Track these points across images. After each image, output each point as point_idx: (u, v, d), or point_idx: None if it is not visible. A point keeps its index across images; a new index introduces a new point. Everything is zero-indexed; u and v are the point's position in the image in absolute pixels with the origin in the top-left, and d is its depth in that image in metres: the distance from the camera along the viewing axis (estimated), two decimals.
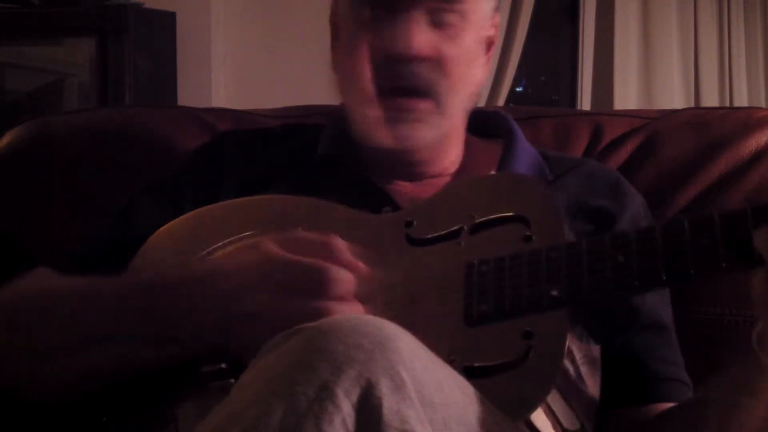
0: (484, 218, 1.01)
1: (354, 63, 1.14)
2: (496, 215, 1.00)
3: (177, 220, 1.15)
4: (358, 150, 1.24)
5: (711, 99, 2.88)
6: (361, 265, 0.96)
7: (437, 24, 1.13)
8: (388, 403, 0.74)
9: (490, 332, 0.91)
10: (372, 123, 1.14)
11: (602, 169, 1.30)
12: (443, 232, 1.02)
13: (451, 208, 1.04)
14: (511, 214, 1.00)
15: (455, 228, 1.02)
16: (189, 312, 0.97)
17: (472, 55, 1.17)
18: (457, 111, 1.18)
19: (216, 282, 0.97)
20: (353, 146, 1.25)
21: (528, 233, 0.97)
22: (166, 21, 2.94)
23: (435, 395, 0.78)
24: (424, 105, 1.13)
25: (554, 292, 0.90)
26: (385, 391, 0.75)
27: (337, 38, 1.23)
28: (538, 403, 0.86)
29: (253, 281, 0.95)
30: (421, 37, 1.11)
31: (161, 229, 1.14)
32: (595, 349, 1.07)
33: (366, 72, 1.13)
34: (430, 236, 1.03)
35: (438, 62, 1.13)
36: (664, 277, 0.86)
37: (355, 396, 0.74)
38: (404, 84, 1.12)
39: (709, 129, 1.47)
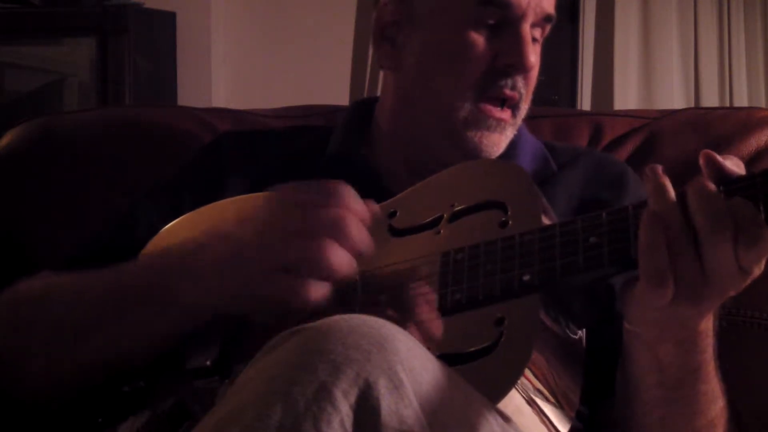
0: (464, 206, 1.01)
1: (462, 64, 1.15)
2: (475, 202, 1.01)
3: (176, 220, 1.15)
4: (370, 151, 1.25)
5: (711, 99, 2.87)
6: (369, 206, 0.97)
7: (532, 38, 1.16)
8: (387, 403, 0.75)
9: (463, 319, 0.92)
10: (460, 125, 1.15)
11: (608, 160, 1.31)
12: (423, 222, 1.03)
13: (433, 197, 1.05)
14: (489, 200, 1.00)
15: (435, 217, 1.02)
16: (183, 265, 0.99)
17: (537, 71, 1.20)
18: (519, 124, 1.20)
19: (210, 235, 0.99)
20: (365, 147, 1.25)
21: (504, 218, 0.97)
22: (166, 21, 2.94)
23: (433, 395, 0.78)
24: (507, 115, 1.16)
25: (526, 277, 0.90)
26: (383, 391, 0.75)
27: (407, 14, 1.20)
28: (508, 388, 0.85)
29: (248, 220, 0.96)
30: (533, 52, 1.15)
31: (162, 230, 1.14)
32: (576, 334, 1.06)
33: (475, 74, 1.14)
34: (410, 226, 1.03)
35: (527, 77, 1.16)
36: (634, 257, 0.86)
37: (353, 396, 0.74)
38: (507, 94, 1.15)
39: (709, 129, 1.47)
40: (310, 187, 0.97)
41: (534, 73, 1.18)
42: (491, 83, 1.15)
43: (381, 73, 1.38)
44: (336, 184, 0.96)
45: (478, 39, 1.14)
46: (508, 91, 1.15)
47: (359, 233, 0.94)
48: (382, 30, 1.22)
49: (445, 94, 1.16)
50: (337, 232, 0.93)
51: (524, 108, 1.19)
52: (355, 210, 0.95)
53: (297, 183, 0.99)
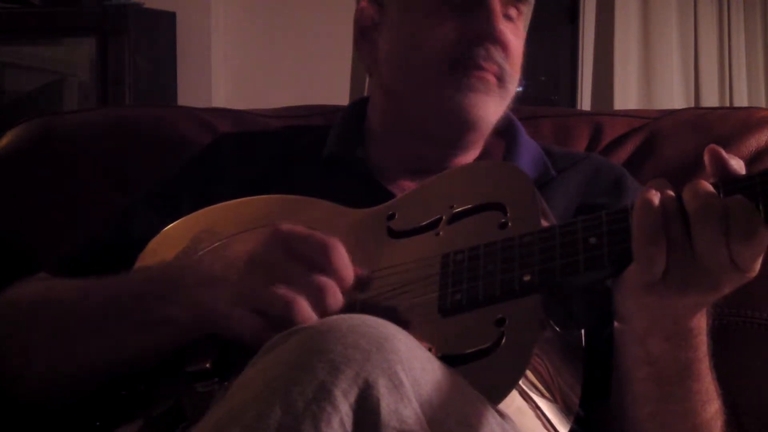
0: (463, 207, 1.01)
1: (436, 37, 1.17)
2: (474, 204, 1.01)
3: (176, 222, 1.15)
4: (365, 150, 1.25)
5: (711, 99, 2.87)
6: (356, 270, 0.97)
7: (504, 16, 1.18)
8: (386, 403, 0.75)
9: (464, 320, 0.92)
10: (446, 93, 1.17)
11: (606, 164, 1.31)
12: (422, 224, 1.03)
13: (432, 198, 1.05)
14: (488, 201, 1.00)
15: (434, 218, 1.02)
16: (179, 289, 0.99)
17: (521, 52, 1.22)
18: (508, 100, 1.21)
19: (212, 262, 1.00)
20: (361, 146, 1.26)
21: (503, 220, 0.97)
22: (166, 21, 2.94)
23: (433, 395, 0.78)
24: (491, 77, 1.17)
25: (526, 277, 0.90)
26: (383, 391, 0.75)
27: (381, 14, 1.24)
28: (509, 389, 0.85)
29: (247, 257, 0.97)
30: (503, 24, 1.17)
31: (162, 232, 1.14)
32: (576, 335, 1.06)
33: (449, 47, 1.16)
34: (409, 228, 1.03)
35: (506, 50, 1.17)
36: (634, 257, 0.86)
37: (352, 396, 0.74)
38: (482, 64, 1.16)
39: (709, 129, 1.47)
40: (306, 239, 0.96)
41: (514, 50, 1.19)
42: (465, 53, 1.16)
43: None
44: (330, 242, 0.96)
45: (445, 19, 1.17)
46: (482, 62, 1.16)
47: (335, 303, 0.94)
48: (363, 32, 1.25)
49: (420, 70, 1.18)
50: (314, 295, 0.93)
51: (511, 82, 1.20)
52: (340, 275, 0.95)
53: (295, 227, 0.98)
